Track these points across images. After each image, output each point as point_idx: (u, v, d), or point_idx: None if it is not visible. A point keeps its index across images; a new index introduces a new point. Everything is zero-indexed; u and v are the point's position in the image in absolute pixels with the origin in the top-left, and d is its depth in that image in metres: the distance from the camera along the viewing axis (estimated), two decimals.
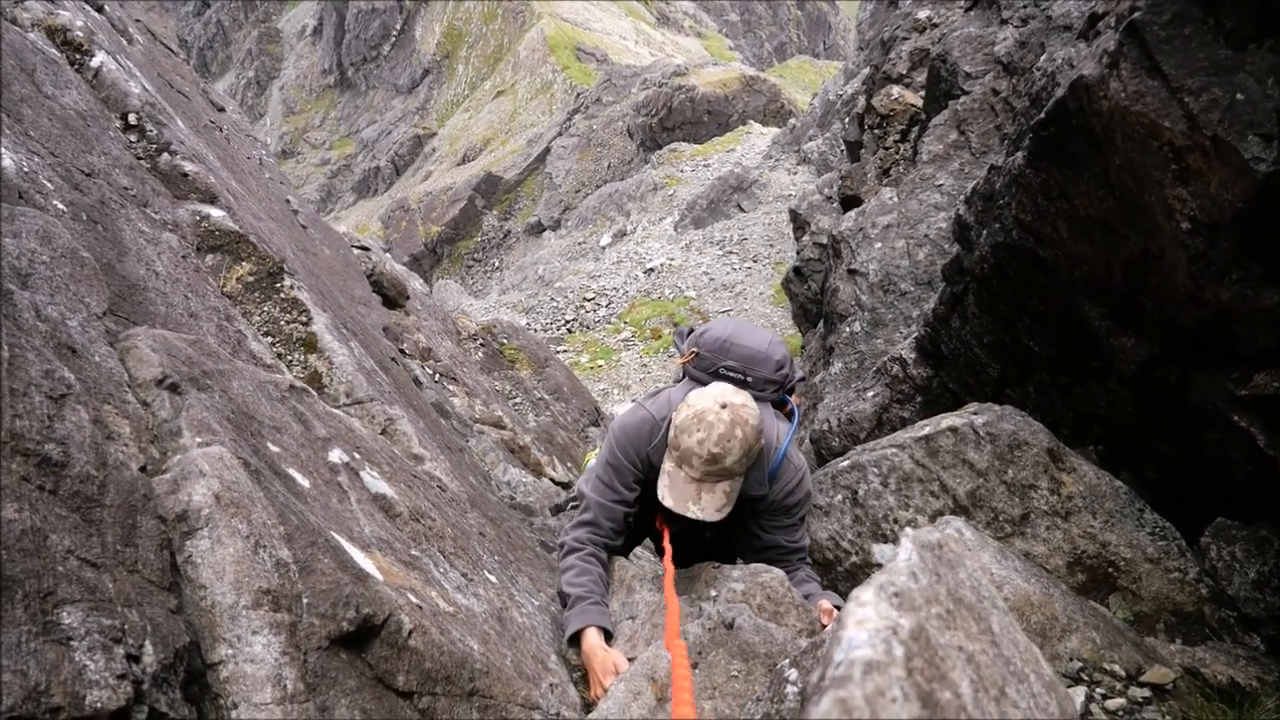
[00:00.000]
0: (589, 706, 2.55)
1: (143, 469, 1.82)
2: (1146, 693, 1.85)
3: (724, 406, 2.54)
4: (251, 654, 1.64)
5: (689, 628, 2.47)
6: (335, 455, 2.62)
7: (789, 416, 3.01)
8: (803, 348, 12.32)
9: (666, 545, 2.90)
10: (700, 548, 3.19)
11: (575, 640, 2.66)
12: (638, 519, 3.24)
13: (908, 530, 1.00)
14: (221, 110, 8.85)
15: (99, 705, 1.33)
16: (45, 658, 1.29)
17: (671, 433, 2.62)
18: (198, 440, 1.98)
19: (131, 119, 4.74)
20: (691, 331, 3.25)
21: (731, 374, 2.88)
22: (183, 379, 2.17)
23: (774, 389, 2.95)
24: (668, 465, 2.67)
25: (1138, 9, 1.94)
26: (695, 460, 2.54)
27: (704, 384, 2.79)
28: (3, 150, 2.81)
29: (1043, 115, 2.37)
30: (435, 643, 2.06)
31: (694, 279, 21.32)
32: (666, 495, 2.63)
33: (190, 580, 1.70)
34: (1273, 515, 2.28)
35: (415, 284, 12.75)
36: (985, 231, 3.12)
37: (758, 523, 2.90)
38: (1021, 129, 2.70)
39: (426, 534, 2.77)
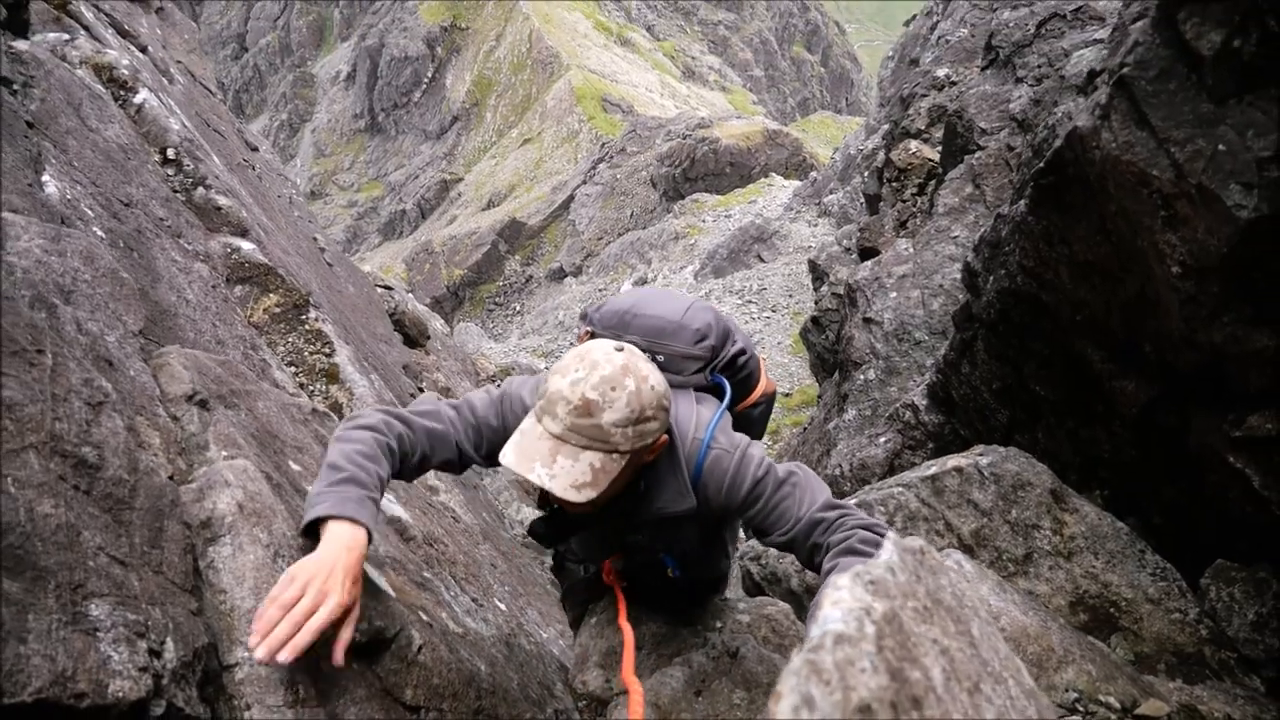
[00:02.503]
0: None
1: (170, 478, 1.90)
2: None
3: (620, 350, 1.94)
4: None
5: (694, 656, 2.51)
6: None
7: (721, 398, 2.33)
8: (819, 396, 12.35)
9: (619, 591, 2.47)
10: (667, 595, 2.72)
11: (315, 530, 1.83)
12: (583, 579, 2.80)
13: (890, 533, 1.06)
14: (255, 150, 9.12)
15: (120, 695, 1.39)
16: (73, 646, 1.36)
17: (554, 368, 2.00)
18: (223, 454, 2.07)
19: (170, 154, 4.92)
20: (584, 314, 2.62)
21: None
22: (211, 396, 2.27)
23: (697, 366, 2.34)
24: (525, 422, 2.01)
25: (1126, 65, 2.03)
26: (560, 408, 1.90)
27: None
28: (48, 178, 2.95)
29: (1043, 164, 2.47)
30: (443, 660, 2.11)
31: None
32: (509, 452, 1.96)
33: (211, 584, 1.77)
34: (1271, 556, 2.31)
35: (436, 324, 12.93)
36: (992, 278, 3.19)
37: (733, 532, 2.42)
38: (1025, 178, 2.79)
39: (439, 559, 2.84)
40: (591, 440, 1.90)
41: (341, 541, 1.76)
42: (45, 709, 1.27)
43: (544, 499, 2.38)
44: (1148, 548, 2.59)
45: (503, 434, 2.14)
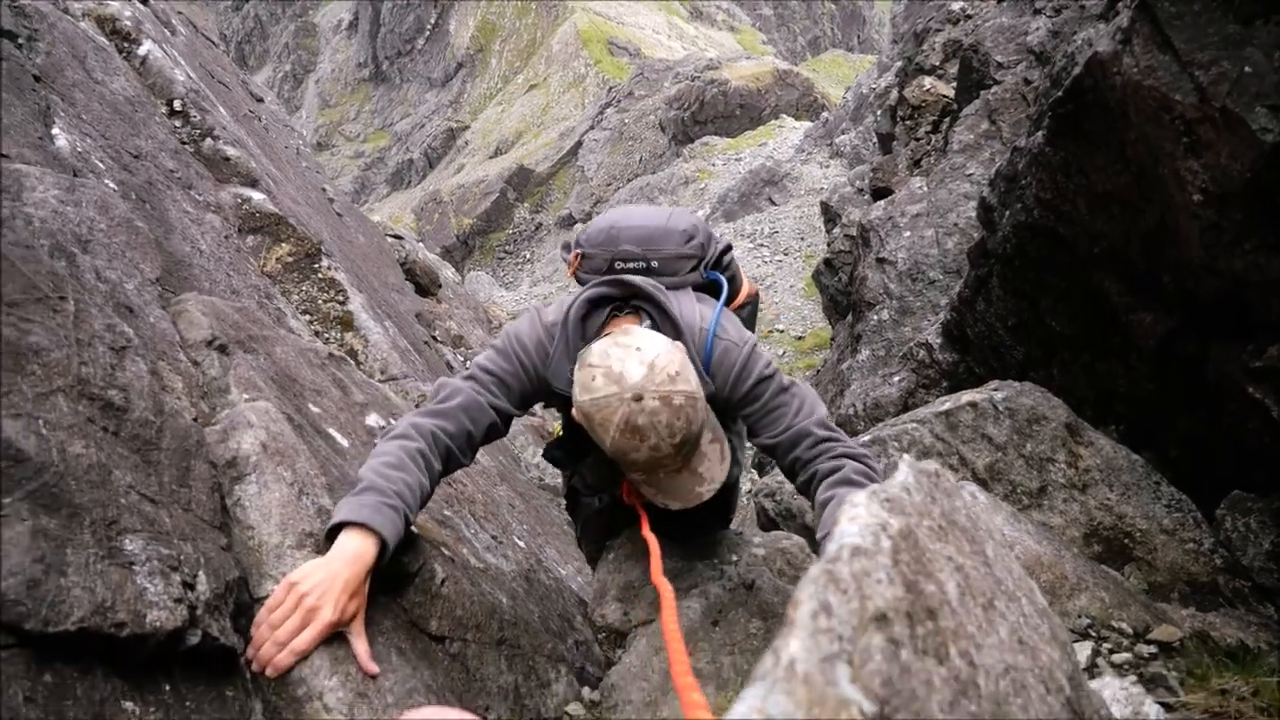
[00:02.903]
0: (612, 666, 2.64)
1: (194, 420, 1.94)
2: (1154, 649, 1.90)
3: (639, 398, 1.93)
4: None
5: (710, 588, 2.55)
6: (372, 419, 2.74)
7: (717, 295, 2.39)
8: (832, 339, 12.33)
9: (640, 508, 2.49)
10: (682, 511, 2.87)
11: (335, 536, 1.79)
12: (597, 511, 2.83)
13: (905, 456, 1.07)
14: (260, 101, 9.04)
15: (159, 624, 1.43)
16: (110, 578, 1.40)
17: (609, 450, 2.04)
18: (245, 397, 2.10)
19: (176, 105, 4.89)
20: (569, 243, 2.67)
21: (631, 262, 2.35)
22: (230, 341, 2.29)
23: (690, 265, 2.39)
24: (637, 478, 2.16)
25: None
26: (664, 464, 2.03)
27: (583, 295, 2.25)
28: (58, 131, 2.95)
29: (1061, 93, 2.43)
30: (466, 592, 2.16)
31: None
32: (669, 502, 2.14)
33: (239, 521, 1.81)
34: None
35: (447, 273, 12.93)
36: (1008, 212, 3.16)
37: (736, 432, 2.45)
38: (1042, 109, 2.75)
39: (458, 497, 2.89)
40: (698, 442, 2.06)
41: (347, 554, 1.74)
42: (87, 638, 1.32)
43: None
44: (1163, 480, 2.61)
45: (523, 375, 2.22)
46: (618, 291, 2.23)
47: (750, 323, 2.74)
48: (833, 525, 0.82)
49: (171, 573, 1.52)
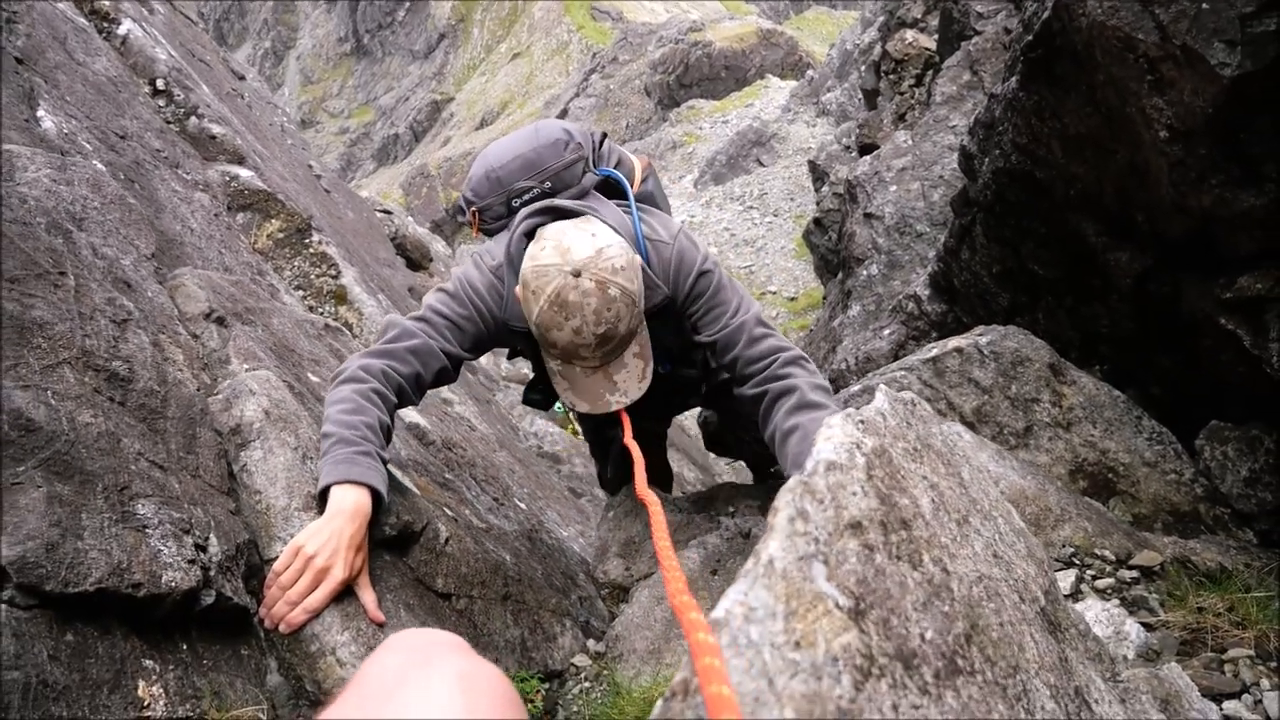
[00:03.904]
0: (615, 619, 2.71)
1: (197, 390, 1.98)
2: (1135, 574, 1.97)
3: (578, 274, 1.94)
4: None
5: (709, 539, 2.62)
6: None
7: (618, 191, 2.36)
8: (824, 298, 12.38)
9: (626, 423, 2.37)
10: (667, 407, 2.85)
11: (326, 496, 1.82)
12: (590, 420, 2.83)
13: (882, 386, 1.13)
14: (242, 78, 8.98)
15: (174, 584, 1.49)
16: (125, 541, 1.46)
17: (533, 327, 2.04)
18: (245, 367, 2.15)
19: (159, 84, 4.88)
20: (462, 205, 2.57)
21: (528, 194, 2.29)
22: (228, 314, 2.33)
23: (580, 169, 2.34)
24: (555, 365, 2.12)
25: None
26: (584, 351, 2.02)
27: (518, 229, 2.20)
28: (44, 113, 2.96)
29: (1031, 37, 2.46)
30: (470, 550, 2.22)
31: (715, 235, 21.34)
32: (577, 401, 2.12)
33: (246, 486, 1.86)
34: (1264, 415, 2.39)
35: (438, 247, 12.92)
36: (987, 159, 3.20)
37: (690, 341, 2.36)
38: (1015, 54, 2.77)
39: (458, 462, 2.94)
40: (623, 346, 2.05)
41: (344, 510, 1.77)
42: (106, 598, 1.38)
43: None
44: (1144, 414, 2.67)
45: (477, 318, 2.20)
46: (549, 219, 2.19)
47: (660, 193, 2.69)
48: (811, 446, 0.87)
49: (184, 535, 1.57)
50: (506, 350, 2.62)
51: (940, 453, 1.15)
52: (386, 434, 2.04)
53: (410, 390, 2.14)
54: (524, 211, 2.22)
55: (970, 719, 0.77)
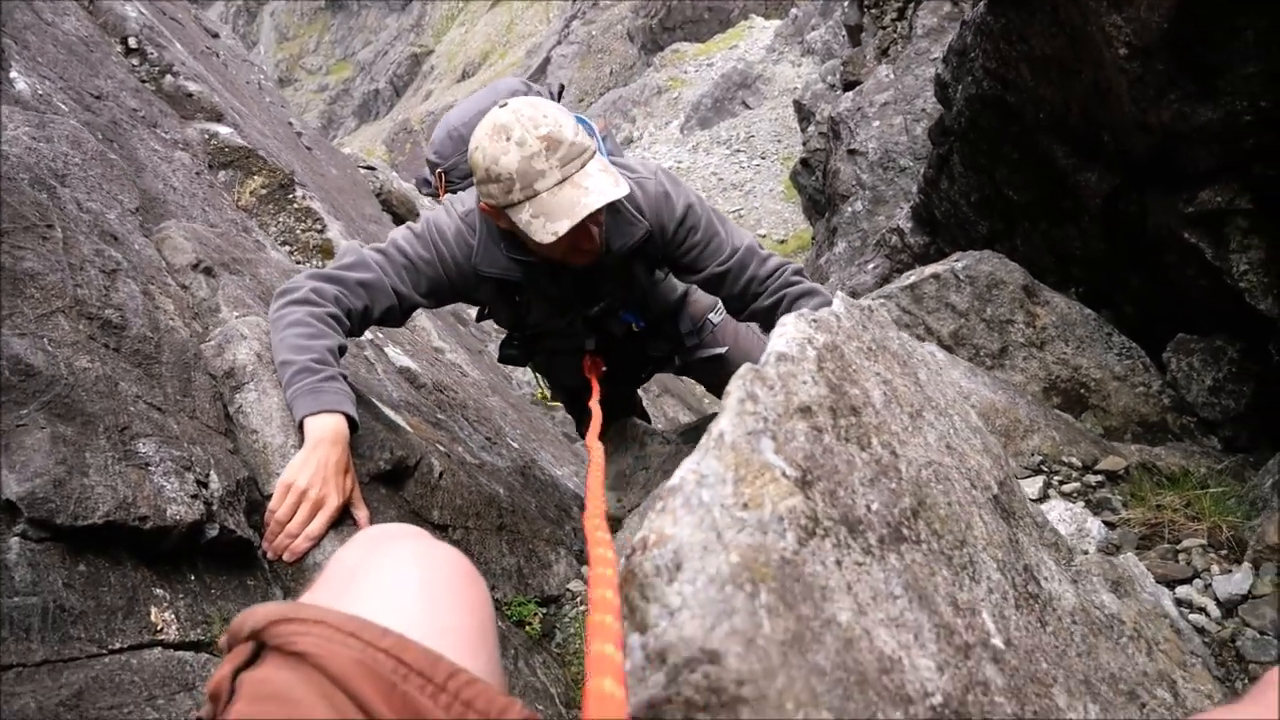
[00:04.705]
0: None
1: (189, 338, 2.04)
2: (1100, 478, 2.06)
3: (503, 106, 1.94)
4: None
5: None
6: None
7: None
8: (813, 239, 12.38)
9: (595, 384, 2.47)
10: (639, 365, 2.84)
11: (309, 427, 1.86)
12: (562, 369, 2.72)
13: (839, 292, 1.19)
14: (216, 36, 8.86)
15: (178, 518, 1.56)
16: (129, 478, 1.52)
17: (494, 183, 1.96)
18: (235, 314, 2.19)
19: (131, 43, 4.84)
20: (427, 176, 2.56)
21: None
22: (215, 264, 2.37)
23: None
24: (525, 213, 1.95)
25: None
26: (538, 163, 1.91)
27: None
28: (16, 74, 2.96)
29: None
30: (464, 484, 2.30)
31: (703, 180, 21.23)
32: (549, 226, 1.93)
33: (243, 427, 1.93)
34: (1226, 326, 2.46)
35: (424, 202, 12.85)
36: (960, 86, 3.23)
37: (677, 279, 2.37)
38: None
39: (450, 403, 3.01)
40: (581, 154, 1.95)
41: (324, 439, 1.82)
42: (114, 531, 1.45)
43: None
44: (1114, 330, 2.75)
45: (440, 266, 2.16)
46: None
47: (616, 155, 2.63)
48: (768, 346, 0.93)
49: (185, 472, 1.64)
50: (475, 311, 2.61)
51: (896, 354, 1.21)
52: (343, 355, 2.06)
53: (355, 324, 2.12)
54: None
55: (912, 579, 0.85)
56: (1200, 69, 1.93)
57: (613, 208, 2.07)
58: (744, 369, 0.84)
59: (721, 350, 2.66)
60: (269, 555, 1.78)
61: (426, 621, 0.70)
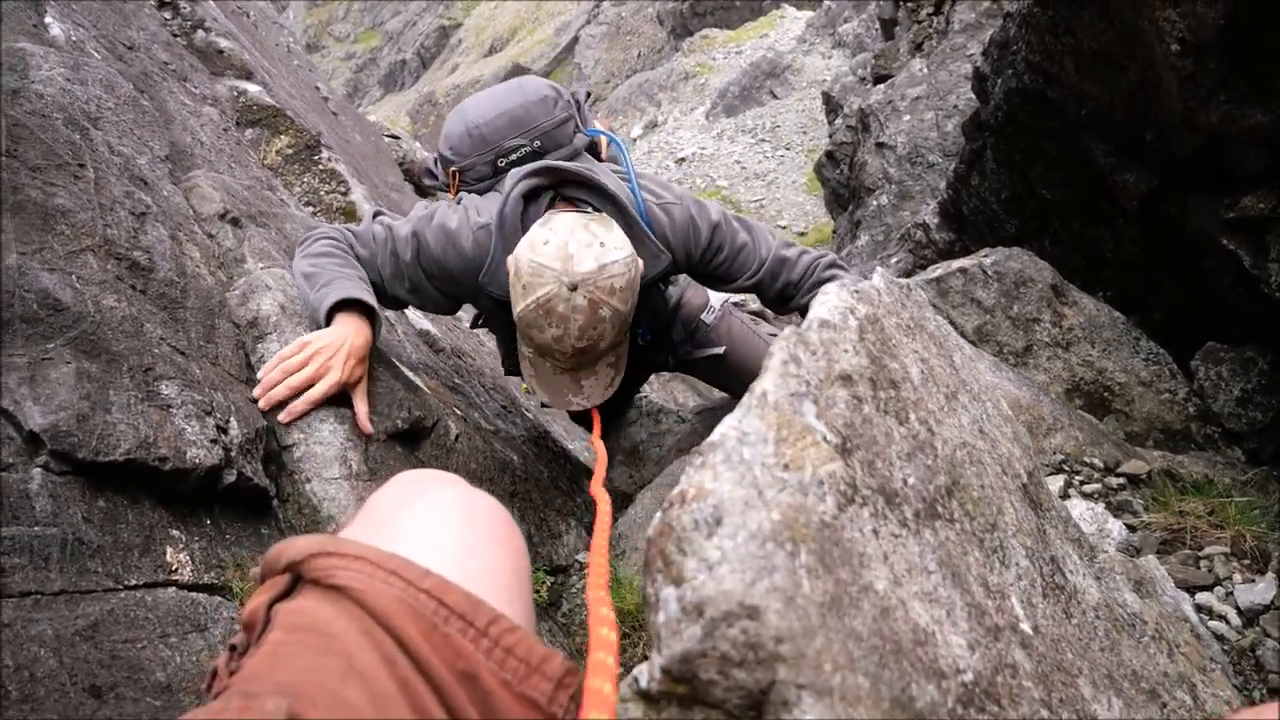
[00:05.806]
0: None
1: (215, 285, 2.03)
2: (1122, 481, 2.04)
3: (574, 288, 1.84)
4: (320, 437, 1.86)
5: None
6: None
7: (607, 157, 2.28)
8: (834, 232, 12.31)
9: (596, 421, 2.43)
10: (640, 375, 2.85)
11: (333, 318, 1.91)
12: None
13: (879, 269, 1.17)
14: None
15: (198, 460, 1.56)
16: (151, 418, 1.52)
17: (518, 314, 1.94)
18: (260, 265, 2.19)
19: None
20: (434, 165, 2.48)
21: (516, 153, 2.18)
22: (242, 215, 2.37)
23: (571, 126, 2.25)
24: (526, 351, 2.05)
25: None
26: (558, 355, 1.98)
27: (513, 191, 2.02)
28: (51, 20, 2.96)
29: None
30: (479, 449, 2.29)
31: (726, 168, 21.10)
32: (539, 390, 2.08)
33: None
34: (1259, 337, 2.43)
35: None
36: (1000, 80, 3.19)
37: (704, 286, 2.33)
38: None
39: (468, 370, 3.01)
40: (599, 359, 2.01)
41: (350, 325, 1.87)
42: (134, 470, 1.45)
43: None
44: (1142, 335, 2.71)
45: (438, 272, 2.11)
46: (548, 180, 2.05)
47: (623, 158, 2.52)
48: (809, 314, 0.91)
49: (206, 416, 1.64)
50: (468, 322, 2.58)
51: (933, 335, 1.19)
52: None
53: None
54: (517, 172, 2.05)
55: (946, 556, 0.83)
56: (1254, 70, 1.89)
57: (637, 238, 2.03)
58: (788, 332, 0.82)
59: (719, 350, 2.64)
60: (263, 404, 1.79)
61: (467, 565, 0.69)
